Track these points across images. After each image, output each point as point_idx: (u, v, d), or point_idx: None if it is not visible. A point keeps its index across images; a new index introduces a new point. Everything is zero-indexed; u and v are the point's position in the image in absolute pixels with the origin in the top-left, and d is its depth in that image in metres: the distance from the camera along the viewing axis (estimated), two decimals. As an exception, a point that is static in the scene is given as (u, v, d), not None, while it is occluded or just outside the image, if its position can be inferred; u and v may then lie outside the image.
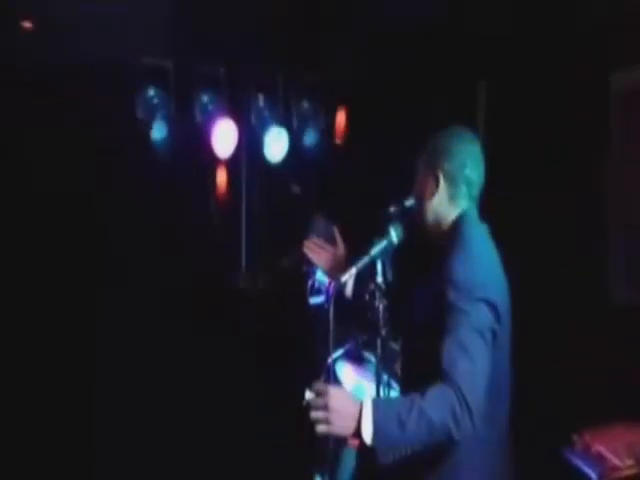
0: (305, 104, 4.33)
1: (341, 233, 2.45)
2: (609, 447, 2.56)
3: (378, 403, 1.85)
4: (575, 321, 3.31)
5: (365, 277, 2.22)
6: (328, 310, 2.07)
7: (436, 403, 1.79)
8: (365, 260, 2.13)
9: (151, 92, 3.74)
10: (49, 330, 3.85)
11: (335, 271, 2.34)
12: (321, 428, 1.81)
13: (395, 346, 2.58)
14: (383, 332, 2.18)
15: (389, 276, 2.24)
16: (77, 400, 3.87)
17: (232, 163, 4.09)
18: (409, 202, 2.21)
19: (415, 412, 1.77)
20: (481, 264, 1.98)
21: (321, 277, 3.48)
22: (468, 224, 2.07)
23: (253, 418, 4.01)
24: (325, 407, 1.81)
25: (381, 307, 2.18)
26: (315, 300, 3.31)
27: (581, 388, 3.02)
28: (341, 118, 4.87)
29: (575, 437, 2.70)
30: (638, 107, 3.26)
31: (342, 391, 1.88)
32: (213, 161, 4.00)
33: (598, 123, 3.46)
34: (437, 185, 2.08)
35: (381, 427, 1.79)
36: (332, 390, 1.84)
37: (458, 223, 2.08)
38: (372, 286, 2.18)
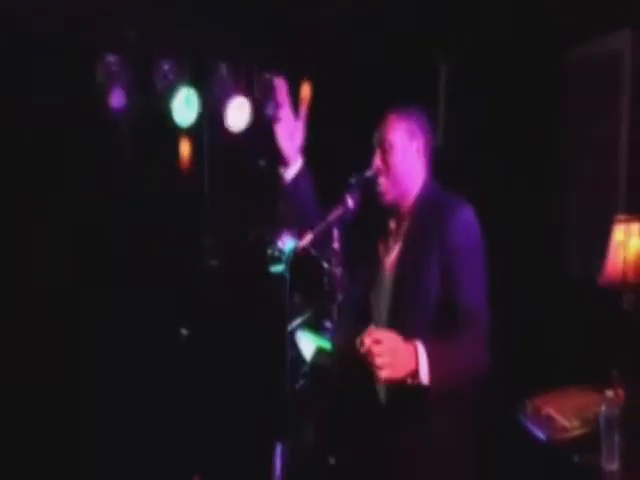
0: (268, 75, 4.30)
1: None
2: (558, 409, 2.63)
3: (429, 343, 1.91)
4: (532, 291, 3.40)
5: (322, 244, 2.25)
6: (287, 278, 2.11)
7: (471, 343, 1.96)
8: (322, 226, 2.17)
9: (110, 59, 3.68)
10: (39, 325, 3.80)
11: (288, 142, 2.35)
12: (386, 373, 1.85)
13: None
14: (339, 298, 2.21)
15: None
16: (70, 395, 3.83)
17: (193, 133, 4.06)
18: (369, 173, 2.29)
19: (459, 351, 1.93)
20: (473, 215, 2.15)
21: (282, 246, 3.51)
22: (434, 184, 2.26)
23: (215, 389, 4.03)
24: (388, 352, 1.85)
25: (337, 273, 2.21)
26: (275, 269, 3.34)
27: (534, 354, 3.10)
28: (306, 91, 4.85)
29: (526, 400, 2.78)
30: (589, 83, 3.32)
31: (395, 335, 1.90)
32: (174, 130, 3.96)
33: (553, 100, 3.52)
34: (420, 157, 2.25)
35: (435, 366, 1.88)
36: (388, 335, 1.88)
37: (427, 185, 2.25)
38: (329, 252, 2.20)
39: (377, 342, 1.85)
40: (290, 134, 2.35)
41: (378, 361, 1.85)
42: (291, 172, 2.34)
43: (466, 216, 2.13)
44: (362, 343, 1.88)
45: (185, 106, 3.96)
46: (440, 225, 2.13)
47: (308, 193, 2.36)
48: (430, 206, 2.21)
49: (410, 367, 1.87)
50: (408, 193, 2.26)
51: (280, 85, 2.29)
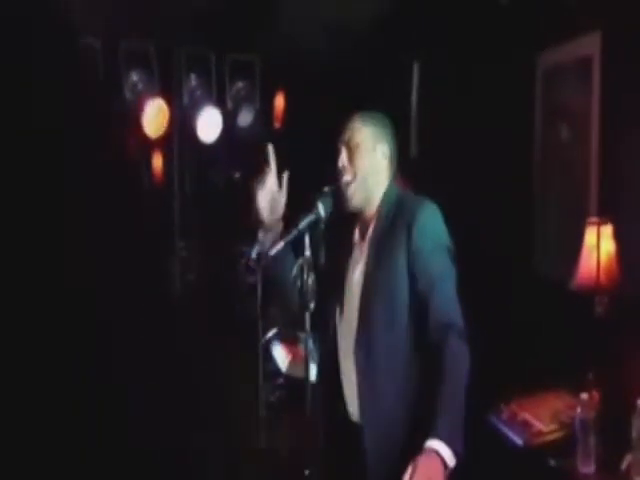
0: (239, 84, 4.28)
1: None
2: (534, 413, 2.63)
3: (443, 434, 1.84)
4: (505, 294, 3.40)
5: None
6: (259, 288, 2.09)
7: (461, 366, 1.95)
8: (293, 234, 2.14)
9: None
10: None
11: (271, 213, 2.28)
12: None
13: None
14: (311, 306, 2.18)
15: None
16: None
17: (164, 144, 4.01)
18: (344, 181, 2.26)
19: (458, 396, 1.91)
20: (437, 212, 2.14)
21: (255, 256, 3.47)
22: (397, 187, 2.25)
23: (190, 402, 3.96)
24: None
25: (310, 281, 2.17)
26: (252, 279, 3.30)
27: (508, 358, 3.09)
28: (280, 101, 4.83)
29: (502, 405, 2.77)
30: (561, 85, 3.34)
31: (419, 466, 1.79)
32: (144, 142, 3.91)
33: (525, 101, 3.54)
34: (385, 160, 2.24)
35: (455, 446, 1.84)
36: (417, 474, 1.78)
37: (391, 189, 2.23)
38: (300, 260, 2.17)
39: None
40: (273, 204, 2.24)
41: None
42: (274, 249, 2.17)
43: (430, 215, 2.12)
44: None
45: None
46: (404, 227, 2.10)
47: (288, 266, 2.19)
48: (393, 209, 2.18)
49: (442, 471, 1.82)
50: (373, 196, 2.22)
51: (269, 151, 2.24)
